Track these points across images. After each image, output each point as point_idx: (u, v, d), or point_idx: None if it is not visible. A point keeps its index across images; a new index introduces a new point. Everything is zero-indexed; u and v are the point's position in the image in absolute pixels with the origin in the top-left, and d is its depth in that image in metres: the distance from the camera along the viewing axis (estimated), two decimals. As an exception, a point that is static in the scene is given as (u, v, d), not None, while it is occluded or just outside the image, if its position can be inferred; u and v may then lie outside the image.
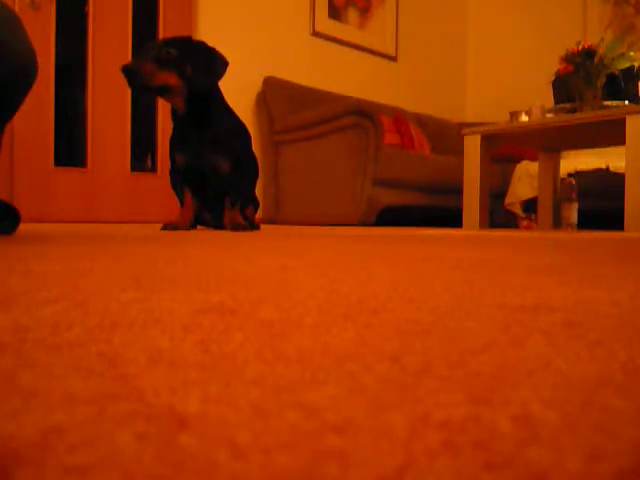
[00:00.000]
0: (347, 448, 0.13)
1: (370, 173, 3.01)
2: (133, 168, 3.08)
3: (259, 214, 3.55)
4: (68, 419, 0.14)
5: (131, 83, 1.69)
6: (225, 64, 1.81)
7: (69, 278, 0.45)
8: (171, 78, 1.72)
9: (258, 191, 3.53)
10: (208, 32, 3.30)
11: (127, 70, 1.66)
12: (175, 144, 1.86)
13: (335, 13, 3.91)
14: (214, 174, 1.82)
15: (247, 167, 1.93)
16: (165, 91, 1.75)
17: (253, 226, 2.04)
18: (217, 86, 1.85)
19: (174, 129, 1.89)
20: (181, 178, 1.86)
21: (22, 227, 1.89)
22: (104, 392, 0.16)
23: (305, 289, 0.40)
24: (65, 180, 2.88)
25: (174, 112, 1.85)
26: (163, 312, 0.30)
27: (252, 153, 2.03)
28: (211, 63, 1.77)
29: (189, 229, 1.86)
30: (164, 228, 1.81)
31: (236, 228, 1.82)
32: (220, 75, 1.80)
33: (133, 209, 3.10)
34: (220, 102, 1.85)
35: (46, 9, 2.78)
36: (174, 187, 1.93)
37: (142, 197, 3.11)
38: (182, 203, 1.88)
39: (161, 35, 3.17)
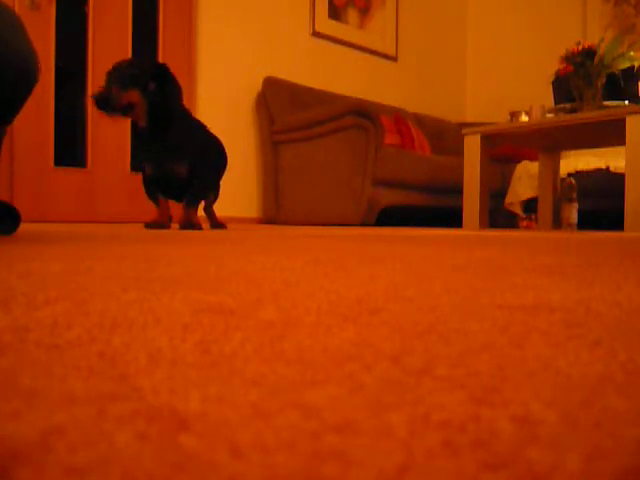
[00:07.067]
0: (347, 448, 0.13)
1: (370, 173, 3.01)
2: (133, 168, 3.09)
3: (259, 214, 3.56)
4: (68, 419, 0.14)
5: (100, 108, 1.84)
6: (179, 88, 1.95)
7: (69, 278, 0.45)
8: (134, 96, 1.86)
9: (258, 191, 3.55)
10: (208, 32, 3.30)
11: (96, 99, 1.84)
12: (141, 155, 2.03)
13: (335, 13, 3.91)
14: (177, 179, 1.98)
15: (207, 171, 2.08)
16: (130, 109, 1.89)
17: (220, 225, 2.28)
18: (179, 102, 1.98)
19: (137, 141, 2.06)
20: (151, 184, 2.02)
21: (22, 227, 1.89)
22: (104, 392, 0.16)
23: (305, 289, 0.40)
24: (65, 180, 2.88)
25: (134, 125, 1.98)
26: (163, 312, 0.30)
27: (217, 156, 2.15)
28: (168, 82, 1.92)
29: (169, 225, 2.06)
30: (148, 227, 1.98)
31: (186, 227, 1.97)
32: (177, 95, 1.95)
33: (133, 209, 3.10)
34: (181, 115, 1.98)
35: (46, 9, 2.78)
36: (147, 193, 2.07)
37: (142, 197, 3.11)
38: (157, 204, 2.05)
39: (161, 36, 3.17)
